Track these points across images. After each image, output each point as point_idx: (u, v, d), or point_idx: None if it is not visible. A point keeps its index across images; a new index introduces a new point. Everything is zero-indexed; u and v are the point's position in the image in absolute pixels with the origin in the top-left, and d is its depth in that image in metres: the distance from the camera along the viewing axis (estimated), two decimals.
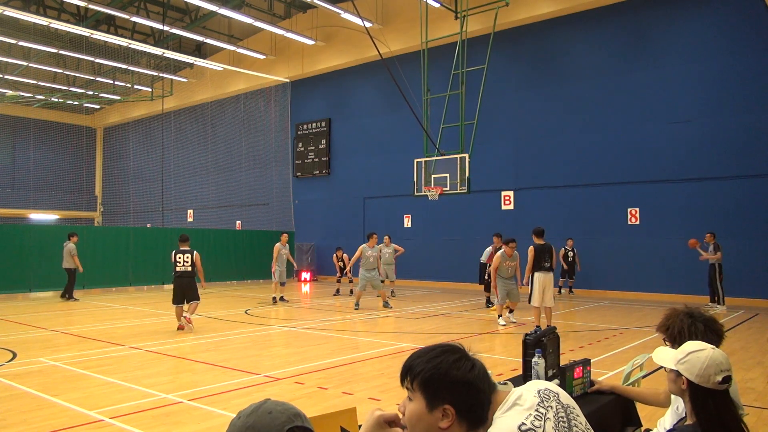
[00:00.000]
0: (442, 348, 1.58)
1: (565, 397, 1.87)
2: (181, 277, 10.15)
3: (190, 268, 10.17)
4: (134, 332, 10.03)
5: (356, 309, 13.25)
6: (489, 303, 13.76)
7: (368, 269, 13.52)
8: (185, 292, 10.11)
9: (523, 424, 1.72)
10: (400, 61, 18.78)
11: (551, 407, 1.79)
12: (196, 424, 4.93)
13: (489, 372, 1.58)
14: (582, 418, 1.87)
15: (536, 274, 9.86)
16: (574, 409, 1.87)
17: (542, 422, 1.73)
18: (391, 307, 13.52)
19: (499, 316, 11.12)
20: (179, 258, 10.15)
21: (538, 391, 1.81)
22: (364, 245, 13.79)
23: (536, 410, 1.74)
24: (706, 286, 13.79)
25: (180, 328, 10.12)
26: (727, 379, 2.06)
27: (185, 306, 10.16)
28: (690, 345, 2.19)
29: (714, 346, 2.16)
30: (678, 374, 2.15)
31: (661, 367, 2.29)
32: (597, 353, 7.96)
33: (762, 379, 6.60)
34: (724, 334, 2.65)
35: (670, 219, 15.60)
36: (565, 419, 1.79)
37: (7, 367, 7.14)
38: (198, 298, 10.29)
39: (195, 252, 10.27)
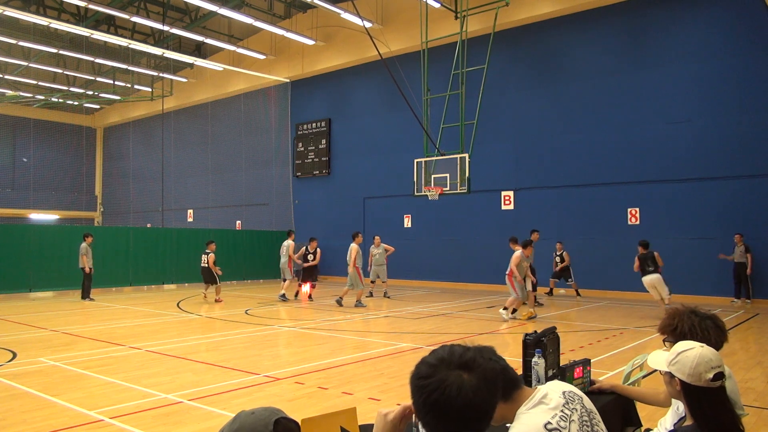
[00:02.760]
0: (437, 354, 1.46)
1: (588, 402, 1.89)
2: (203, 269, 15.35)
3: (206, 264, 15.19)
4: (134, 332, 10.03)
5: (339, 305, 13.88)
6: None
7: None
8: (206, 278, 15.27)
9: (549, 423, 1.74)
10: (400, 61, 18.77)
11: (576, 410, 1.81)
12: (196, 424, 4.93)
13: (474, 397, 1.38)
14: (602, 425, 1.89)
15: None
16: (596, 414, 1.89)
17: (567, 423, 1.75)
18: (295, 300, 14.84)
19: (509, 309, 11.61)
20: (202, 257, 15.42)
21: (563, 393, 1.83)
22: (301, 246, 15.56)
23: (562, 411, 1.77)
24: (705, 286, 13.84)
25: (217, 301, 14.89)
26: (719, 376, 2.04)
27: (209, 290, 15.36)
28: (680, 345, 2.18)
29: (703, 344, 2.15)
30: (672, 376, 2.15)
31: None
32: (597, 353, 7.96)
33: (762, 379, 6.60)
34: (726, 329, 2.65)
35: (670, 219, 15.59)
36: (588, 423, 1.81)
37: (7, 367, 7.14)
38: (215, 282, 15.09)
39: (210, 254, 15.19)
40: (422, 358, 1.47)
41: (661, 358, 2.24)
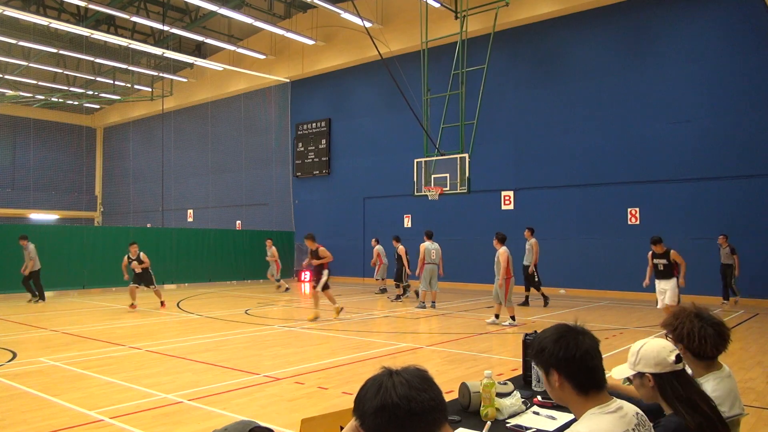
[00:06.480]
0: (384, 372, 1.52)
1: None
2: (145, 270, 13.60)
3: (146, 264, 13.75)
4: (134, 332, 10.03)
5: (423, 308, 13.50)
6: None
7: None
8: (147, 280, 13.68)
9: None
10: (400, 61, 18.77)
11: None
12: (196, 424, 4.93)
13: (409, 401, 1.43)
14: None
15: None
16: None
17: None
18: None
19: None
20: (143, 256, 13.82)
21: (637, 414, 1.93)
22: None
23: (634, 428, 1.86)
24: (706, 286, 13.84)
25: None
26: (680, 357, 2.18)
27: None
28: (634, 346, 2.28)
29: (652, 336, 2.24)
30: (642, 375, 2.19)
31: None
32: None
33: (762, 379, 6.60)
34: (730, 338, 2.59)
35: (670, 219, 15.59)
36: None
37: (7, 367, 7.14)
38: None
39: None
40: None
41: (622, 368, 2.32)
